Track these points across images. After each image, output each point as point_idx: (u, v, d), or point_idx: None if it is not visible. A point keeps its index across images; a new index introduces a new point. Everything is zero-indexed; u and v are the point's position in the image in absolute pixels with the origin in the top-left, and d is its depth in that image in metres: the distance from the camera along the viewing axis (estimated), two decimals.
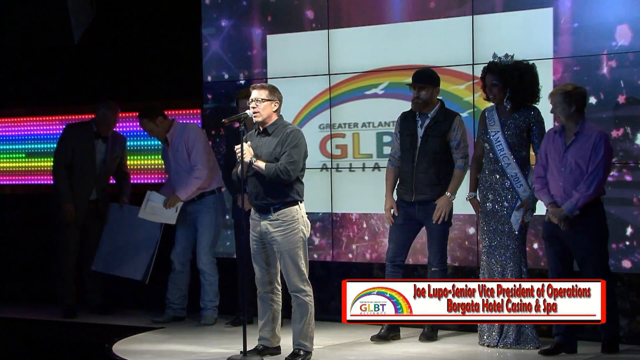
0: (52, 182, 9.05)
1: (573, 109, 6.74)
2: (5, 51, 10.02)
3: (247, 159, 6.70)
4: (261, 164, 6.69)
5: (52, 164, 9.05)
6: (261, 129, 6.84)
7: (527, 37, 7.53)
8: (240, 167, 6.77)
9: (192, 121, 9.14)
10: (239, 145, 6.72)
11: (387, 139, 8.14)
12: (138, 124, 8.54)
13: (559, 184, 6.78)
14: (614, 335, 6.83)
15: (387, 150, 8.01)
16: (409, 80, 7.41)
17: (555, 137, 6.84)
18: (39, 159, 9.87)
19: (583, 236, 6.73)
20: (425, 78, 7.35)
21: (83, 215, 8.80)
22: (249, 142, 6.78)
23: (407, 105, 7.61)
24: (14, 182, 10.20)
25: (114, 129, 9.03)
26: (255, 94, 6.78)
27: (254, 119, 6.81)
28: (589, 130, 6.73)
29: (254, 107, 6.76)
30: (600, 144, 6.67)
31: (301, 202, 6.80)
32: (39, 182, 9.92)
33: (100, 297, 9.03)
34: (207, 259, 8.43)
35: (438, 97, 7.44)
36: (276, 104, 6.81)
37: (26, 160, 10.12)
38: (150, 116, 8.41)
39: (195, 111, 9.17)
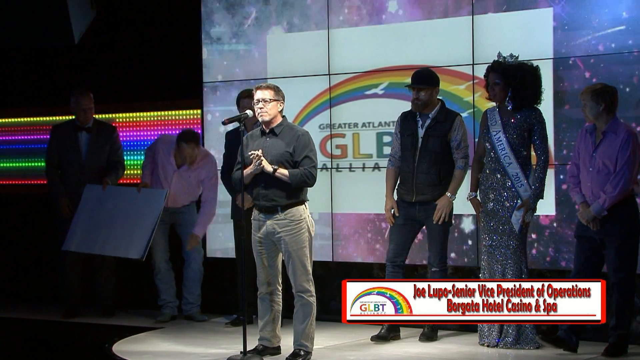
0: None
1: (602, 108, 6.71)
2: (5, 51, 10.02)
3: (268, 168, 6.65)
4: (284, 172, 6.64)
5: (45, 166, 9.10)
6: (266, 129, 6.81)
7: (527, 37, 7.53)
8: (244, 170, 6.74)
9: (192, 121, 9.16)
10: (254, 151, 6.67)
11: (387, 139, 8.13)
12: (181, 146, 8.36)
13: (587, 185, 6.78)
14: (623, 338, 6.80)
15: (387, 150, 8.01)
16: (409, 80, 7.41)
17: (587, 136, 6.83)
18: (39, 159, 9.86)
19: (612, 236, 6.71)
20: (425, 79, 7.34)
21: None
22: (260, 150, 6.69)
23: (407, 105, 7.61)
24: (14, 182, 10.20)
25: (101, 120, 9.06)
26: (260, 94, 6.74)
27: (261, 119, 6.77)
28: (617, 129, 6.70)
29: (261, 108, 6.71)
30: (628, 143, 6.63)
31: (306, 202, 6.81)
32: (39, 182, 9.91)
33: (108, 299, 9.02)
34: (200, 256, 8.53)
35: (438, 97, 7.44)
36: (281, 104, 6.79)
37: (26, 160, 10.12)
38: (197, 142, 8.40)
39: (195, 111, 9.16)
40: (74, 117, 8.96)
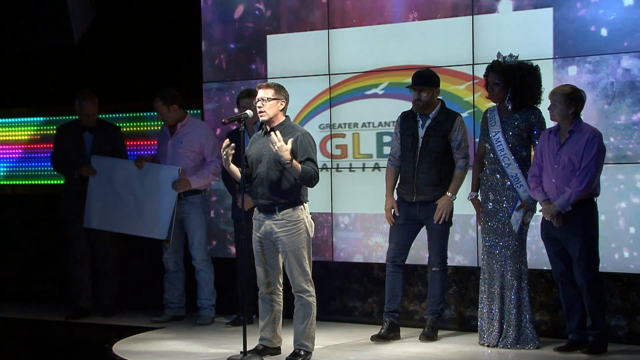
0: (52, 182, 9.07)
1: (571, 111, 6.78)
2: (5, 51, 10.02)
3: (287, 156, 6.49)
4: (298, 165, 6.57)
5: (51, 165, 9.12)
6: (268, 128, 6.80)
7: (527, 37, 7.53)
8: (243, 169, 6.75)
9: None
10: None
11: (387, 139, 8.13)
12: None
13: (551, 181, 6.82)
14: (601, 337, 6.83)
15: (387, 150, 8.01)
16: (409, 80, 7.41)
17: (551, 136, 6.89)
18: (40, 159, 9.86)
19: (574, 236, 6.77)
20: (426, 80, 7.34)
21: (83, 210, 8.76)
22: (233, 144, 6.65)
23: (407, 105, 7.61)
24: (14, 182, 10.21)
25: (104, 120, 9.08)
26: (261, 93, 6.75)
27: (260, 118, 6.78)
28: (583, 129, 6.78)
29: (260, 107, 6.72)
30: (594, 142, 6.72)
31: (306, 203, 6.81)
32: (38, 182, 9.91)
33: (109, 299, 9.01)
34: (201, 258, 8.47)
35: (438, 97, 7.44)
36: (282, 103, 6.78)
37: (27, 160, 10.13)
38: (164, 100, 8.41)
39: (195, 111, 9.17)
40: (77, 117, 8.97)
